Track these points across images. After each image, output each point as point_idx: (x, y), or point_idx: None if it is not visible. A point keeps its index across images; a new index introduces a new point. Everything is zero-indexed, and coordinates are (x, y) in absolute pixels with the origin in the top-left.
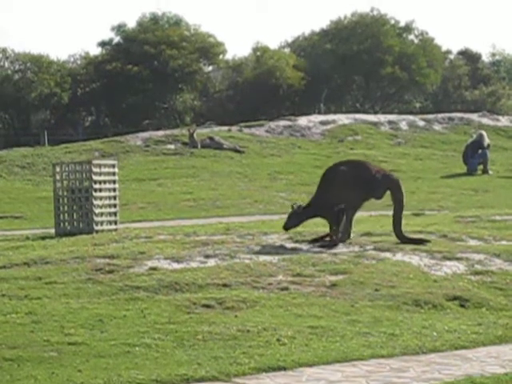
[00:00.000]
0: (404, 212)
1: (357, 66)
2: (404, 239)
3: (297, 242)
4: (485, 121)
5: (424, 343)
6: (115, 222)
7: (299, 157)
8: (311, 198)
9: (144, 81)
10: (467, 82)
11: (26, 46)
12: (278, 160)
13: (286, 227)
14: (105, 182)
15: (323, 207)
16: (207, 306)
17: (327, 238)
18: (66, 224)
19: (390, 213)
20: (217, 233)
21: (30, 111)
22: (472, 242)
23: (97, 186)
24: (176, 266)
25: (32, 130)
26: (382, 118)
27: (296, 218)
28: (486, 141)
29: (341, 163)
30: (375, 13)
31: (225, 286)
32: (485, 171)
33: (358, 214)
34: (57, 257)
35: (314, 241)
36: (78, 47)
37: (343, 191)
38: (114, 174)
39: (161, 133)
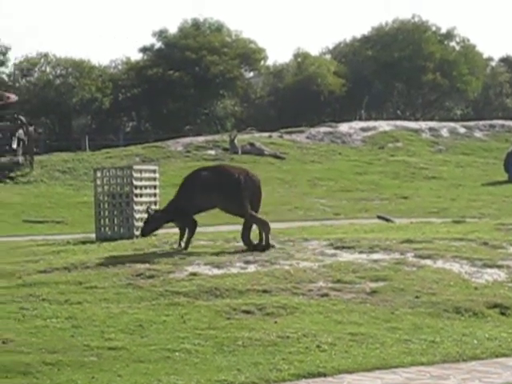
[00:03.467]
0: (445, 219)
1: (398, 72)
2: (250, 245)
3: (337, 248)
4: None
5: (464, 351)
6: None
7: (340, 163)
8: (168, 203)
9: (185, 86)
10: (508, 89)
11: (67, 51)
12: (319, 166)
13: (144, 233)
14: (145, 187)
15: (180, 212)
16: (247, 312)
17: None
18: (107, 229)
19: (432, 220)
20: (257, 239)
21: (71, 116)
22: None
23: (137, 191)
24: (216, 271)
25: (73, 135)
26: (422, 124)
27: (153, 222)
28: None
29: (201, 169)
30: (416, 19)
31: (265, 292)
32: None
33: (399, 221)
34: (97, 262)
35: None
36: (120, 53)
37: (201, 198)
38: (154, 179)
39: (201, 138)
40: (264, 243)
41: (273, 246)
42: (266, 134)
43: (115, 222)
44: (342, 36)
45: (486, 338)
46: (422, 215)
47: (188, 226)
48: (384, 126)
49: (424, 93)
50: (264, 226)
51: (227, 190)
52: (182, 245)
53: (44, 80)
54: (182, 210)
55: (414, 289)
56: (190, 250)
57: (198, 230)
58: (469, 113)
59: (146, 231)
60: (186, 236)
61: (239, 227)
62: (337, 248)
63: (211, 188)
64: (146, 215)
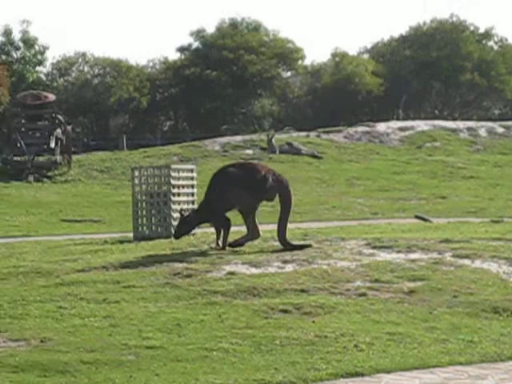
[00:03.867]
0: (482, 219)
1: (436, 72)
2: (287, 246)
3: (375, 247)
4: None
5: (502, 350)
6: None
7: (377, 163)
8: (200, 204)
9: (222, 86)
10: None
11: (105, 51)
12: (356, 166)
13: (177, 235)
14: (183, 186)
15: (212, 212)
16: (285, 311)
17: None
18: (144, 228)
19: (470, 220)
20: (294, 238)
21: (108, 116)
22: None
23: (175, 190)
24: (254, 270)
25: (111, 135)
26: (460, 124)
27: (186, 224)
28: None
29: (229, 165)
30: (454, 19)
31: (302, 291)
32: None
33: (437, 221)
34: (135, 261)
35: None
36: (157, 52)
37: (232, 194)
38: (192, 178)
39: (239, 138)
40: (240, 241)
41: (310, 246)
42: (304, 134)
43: (153, 221)
44: (380, 36)
45: None
46: (459, 215)
47: (222, 225)
48: (422, 125)
49: (462, 92)
50: (225, 230)
51: (253, 187)
52: (220, 244)
53: (82, 79)
54: (213, 209)
55: (452, 288)
56: (227, 249)
57: (236, 229)
58: (507, 112)
59: (179, 234)
60: (222, 235)
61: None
62: (374, 247)
63: (239, 184)
64: (178, 214)
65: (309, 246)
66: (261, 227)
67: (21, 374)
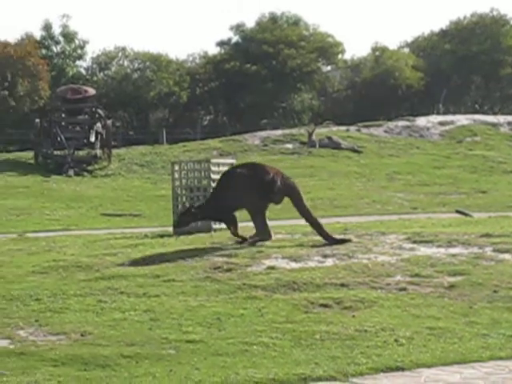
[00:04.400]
0: None
1: (476, 66)
2: (332, 240)
3: (415, 242)
4: None
5: None
6: None
7: (418, 157)
8: (206, 200)
9: (262, 80)
10: None
11: (145, 45)
12: (396, 160)
13: (178, 225)
14: None
15: (218, 209)
16: (325, 306)
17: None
18: None
19: (510, 214)
20: (335, 232)
21: (148, 110)
22: None
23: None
24: (294, 265)
25: (150, 129)
26: (501, 118)
27: (190, 217)
28: None
29: (238, 166)
30: (495, 13)
31: (343, 285)
32: None
33: (477, 216)
34: (175, 255)
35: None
36: (197, 47)
37: (241, 194)
38: None
39: (279, 132)
40: (249, 240)
41: (349, 240)
42: (344, 128)
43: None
44: (421, 30)
45: None
46: (500, 209)
47: (227, 223)
48: (462, 120)
49: (502, 87)
50: (261, 235)
51: (261, 188)
52: (248, 238)
53: (121, 74)
54: (219, 208)
55: (493, 283)
56: (268, 243)
57: (276, 223)
58: None
59: (181, 224)
60: (232, 229)
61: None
62: (415, 242)
63: (247, 186)
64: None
65: (349, 240)
66: (299, 222)
67: (61, 368)
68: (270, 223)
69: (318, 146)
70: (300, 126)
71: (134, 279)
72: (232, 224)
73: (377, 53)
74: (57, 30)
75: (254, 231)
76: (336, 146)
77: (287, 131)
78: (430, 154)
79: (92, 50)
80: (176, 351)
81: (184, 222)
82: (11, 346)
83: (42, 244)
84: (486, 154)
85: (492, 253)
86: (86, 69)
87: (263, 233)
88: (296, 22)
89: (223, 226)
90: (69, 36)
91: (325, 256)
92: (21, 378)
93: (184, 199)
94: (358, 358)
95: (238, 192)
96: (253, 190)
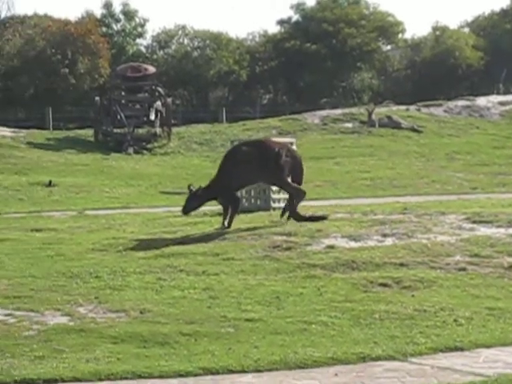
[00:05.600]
0: None
1: None
2: (301, 218)
3: (474, 222)
4: None
5: None
6: None
7: (477, 137)
8: (211, 180)
9: (322, 59)
10: None
11: (205, 24)
12: (456, 140)
13: (185, 211)
14: None
15: (222, 189)
16: (384, 285)
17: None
18: (244, 201)
19: None
20: (394, 212)
21: (208, 88)
22: None
23: None
24: (353, 244)
25: (210, 107)
26: None
27: (195, 200)
28: None
29: (242, 143)
30: None
31: (402, 265)
32: None
33: None
34: (234, 233)
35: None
36: (257, 25)
37: (248, 171)
38: None
39: (338, 111)
40: (288, 209)
41: (326, 218)
42: (404, 107)
43: (252, 193)
44: (481, 9)
45: None
46: None
47: (231, 203)
48: None
49: None
50: (300, 194)
51: (267, 164)
52: (226, 224)
53: (182, 52)
54: (224, 187)
55: None
56: (327, 222)
57: (336, 202)
58: None
59: (188, 209)
60: (229, 213)
61: (374, 200)
62: (474, 222)
63: (252, 162)
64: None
65: (324, 217)
66: (358, 201)
67: (120, 345)
68: (329, 202)
69: (377, 125)
70: (360, 106)
71: (193, 257)
72: (235, 207)
73: (437, 32)
74: (117, 8)
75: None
76: (396, 126)
77: (347, 110)
78: (489, 134)
79: (152, 29)
80: (235, 329)
81: (191, 206)
82: (71, 323)
83: (102, 222)
84: None
85: None
86: (146, 47)
87: (298, 194)
88: (356, 1)
89: (282, 204)
90: (129, 14)
91: (384, 235)
92: (80, 354)
93: None
94: (416, 338)
95: (247, 169)
96: (257, 166)
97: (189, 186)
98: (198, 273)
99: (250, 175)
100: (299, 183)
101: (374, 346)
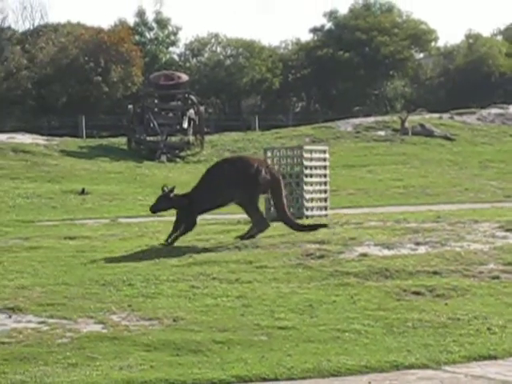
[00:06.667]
0: None
1: None
2: (303, 228)
3: (508, 230)
4: None
5: None
6: (325, 208)
7: (511, 145)
8: (189, 192)
9: (355, 67)
10: None
11: (237, 32)
12: (489, 148)
13: (153, 209)
14: (315, 167)
15: (191, 205)
16: (417, 293)
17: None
18: None
19: None
20: (427, 220)
21: (240, 96)
22: None
23: (307, 171)
24: (386, 252)
25: (243, 115)
26: None
27: (166, 201)
28: None
29: (223, 160)
30: None
31: (435, 273)
32: None
33: None
34: (267, 241)
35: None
36: (290, 33)
37: (228, 189)
38: (324, 159)
39: (371, 119)
40: (249, 233)
41: (326, 226)
42: (437, 115)
43: (285, 202)
44: None
45: None
46: None
47: (187, 224)
48: None
49: None
50: (262, 224)
51: (244, 181)
52: (169, 240)
53: (214, 60)
54: (197, 202)
55: None
56: (360, 231)
57: (368, 210)
58: None
59: (155, 208)
60: (179, 231)
61: (407, 208)
62: (508, 230)
63: (231, 181)
64: (310, 195)
65: (324, 225)
66: (391, 209)
67: (153, 353)
68: (362, 210)
69: (410, 133)
70: (392, 114)
71: (226, 265)
72: (188, 228)
73: (470, 40)
74: (150, 16)
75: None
76: (429, 134)
77: (380, 118)
78: None
79: (185, 37)
80: (268, 337)
81: (159, 207)
82: (104, 331)
83: (135, 229)
84: None
85: None
86: (179, 55)
87: (260, 223)
88: (389, 9)
89: (315, 212)
90: (162, 22)
91: (417, 243)
92: (113, 362)
93: None
94: (450, 346)
95: (225, 187)
96: (238, 184)
97: (162, 187)
98: (231, 281)
99: (225, 193)
100: (281, 203)
101: (407, 355)
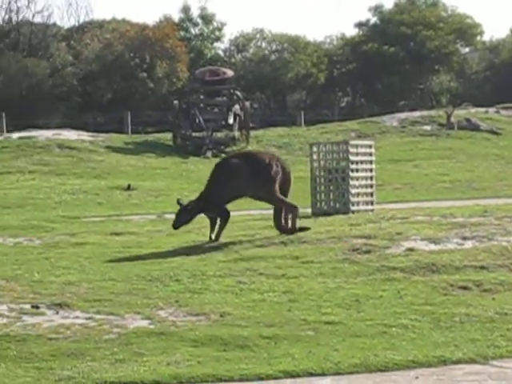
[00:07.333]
0: None
1: None
2: (288, 230)
3: None
4: None
5: None
6: (371, 203)
7: None
8: (200, 193)
9: (400, 62)
10: None
11: (282, 27)
12: None
13: (176, 226)
14: (361, 162)
15: (212, 202)
16: (464, 288)
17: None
18: (323, 204)
19: None
20: (474, 214)
21: (286, 91)
22: None
23: (353, 166)
24: (433, 247)
25: (288, 110)
26: None
27: (186, 214)
28: None
29: (232, 156)
30: None
31: (482, 268)
32: None
33: None
34: (314, 236)
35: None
36: (334, 28)
37: (242, 183)
38: (370, 154)
39: (417, 114)
40: (291, 227)
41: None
42: (482, 110)
43: (331, 196)
44: None
45: None
46: None
47: (221, 216)
48: None
49: None
50: (293, 210)
51: (257, 176)
52: (213, 237)
53: (259, 55)
54: (214, 200)
55: None
56: (406, 225)
57: (415, 205)
58: None
59: (178, 224)
60: (217, 227)
61: (454, 203)
62: None
63: (242, 175)
64: (356, 189)
65: (308, 228)
66: (437, 204)
67: (200, 348)
68: (408, 205)
69: (456, 127)
70: (438, 108)
71: (272, 260)
72: (224, 219)
73: None
74: (195, 12)
75: None
76: (474, 128)
77: (425, 113)
78: None
79: (230, 32)
80: (315, 332)
81: (182, 221)
82: (151, 326)
83: None
84: None
85: None
86: (224, 50)
87: (291, 209)
88: (434, 3)
89: (361, 207)
90: (207, 18)
91: (464, 238)
92: (161, 357)
93: (322, 181)
94: (498, 341)
95: (239, 182)
96: (253, 180)
97: (178, 200)
98: (278, 276)
99: (240, 187)
100: (285, 195)
101: (454, 349)
